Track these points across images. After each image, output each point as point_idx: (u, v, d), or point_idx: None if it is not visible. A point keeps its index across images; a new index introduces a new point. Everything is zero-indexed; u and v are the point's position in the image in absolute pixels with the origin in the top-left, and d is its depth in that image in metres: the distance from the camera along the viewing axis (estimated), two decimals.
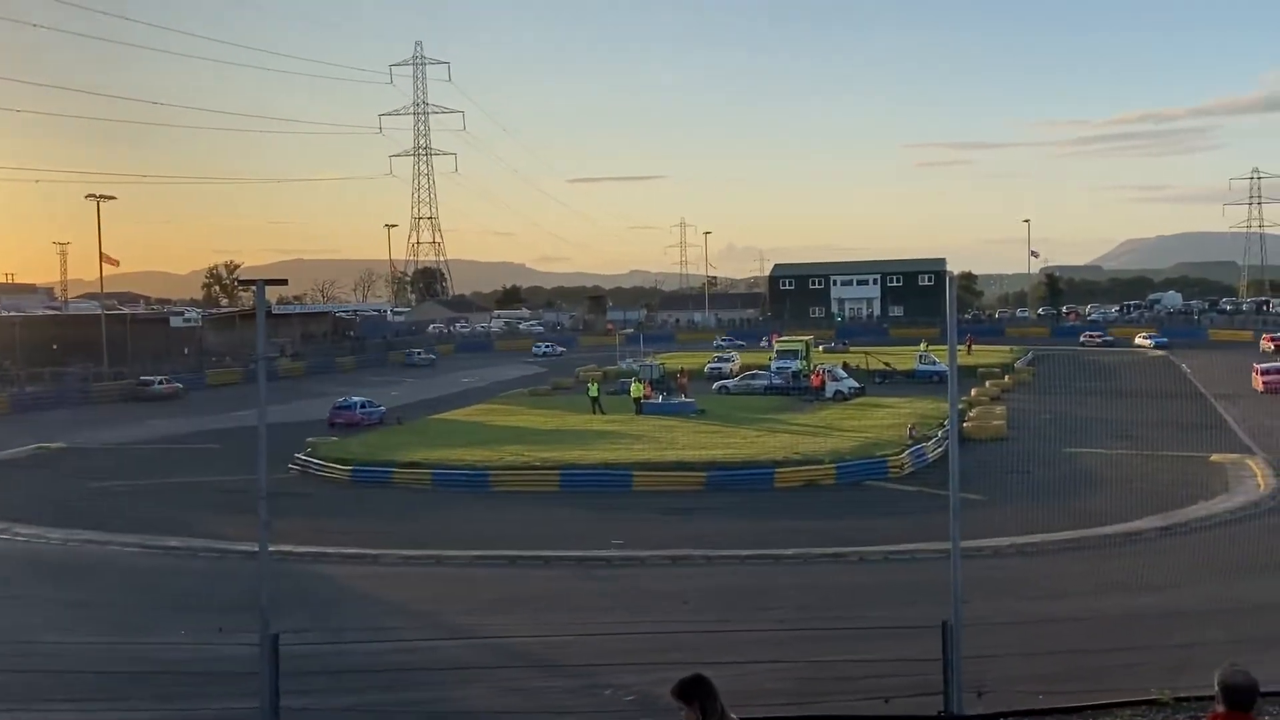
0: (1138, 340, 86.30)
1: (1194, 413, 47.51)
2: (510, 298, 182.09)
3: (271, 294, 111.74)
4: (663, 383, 58.96)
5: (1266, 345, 74.13)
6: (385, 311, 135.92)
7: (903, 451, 37.75)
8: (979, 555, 22.49)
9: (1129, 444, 39.23)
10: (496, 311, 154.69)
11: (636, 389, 53.54)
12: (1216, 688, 5.51)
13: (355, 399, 56.62)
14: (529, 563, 25.65)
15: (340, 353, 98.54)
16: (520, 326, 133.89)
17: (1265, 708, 10.34)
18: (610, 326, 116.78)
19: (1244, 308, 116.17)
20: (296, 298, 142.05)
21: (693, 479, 34.81)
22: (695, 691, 5.43)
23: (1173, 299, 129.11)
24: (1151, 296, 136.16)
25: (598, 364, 77.09)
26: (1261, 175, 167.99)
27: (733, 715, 5.40)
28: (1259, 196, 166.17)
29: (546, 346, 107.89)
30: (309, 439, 43.76)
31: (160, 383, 73.43)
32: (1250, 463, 36.26)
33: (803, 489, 33.83)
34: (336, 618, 19.69)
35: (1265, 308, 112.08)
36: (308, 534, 28.31)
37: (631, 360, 72.59)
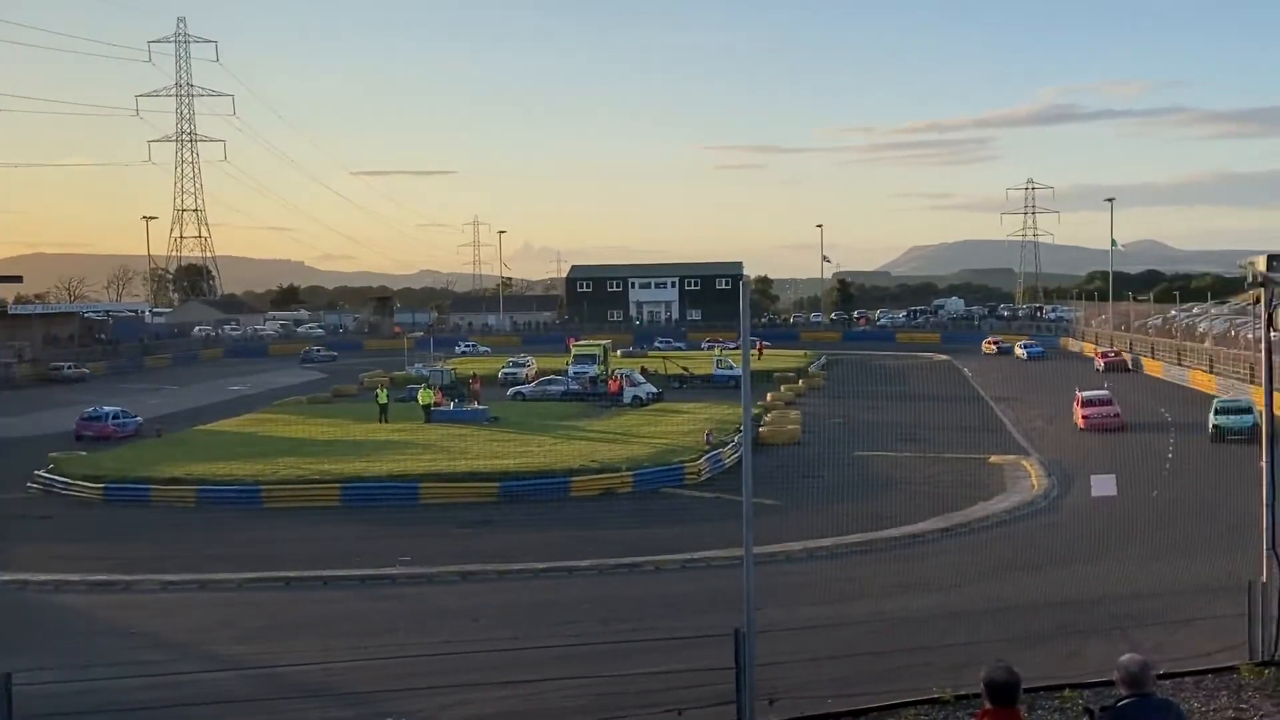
0: (1017, 350, 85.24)
1: (975, 415, 49.11)
2: (287, 297, 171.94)
3: (4, 292, 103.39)
4: (454, 389, 57.68)
5: (988, 348, 79.74)
6: (143, 312, 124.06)
7: (700, 457, 37.65)
8: (773, 561, 22.60)
9: (915, 446, 40.18)
10: (271, 313, 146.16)
11: (426, 395, 52.12)
12: (981, 685, 5.66)
13: (107, 409, 52.36)
14: (306, 584, 24.42)
15: (90, 357, 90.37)
16: (299, 329, 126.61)
17: (1040, 701, 11.37)
18: (398, 329, 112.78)
19: (1020, 313, 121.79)
20: (38, 296, 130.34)
21: (485, 490, 34.25)
22: None
23: (955, 305, 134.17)
24: (936, 302, 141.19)
25: (384, 369, 74.79)
26: (1035, 186, 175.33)
27: None
28: (1033, 206, 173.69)
29: (317, 349, 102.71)
30: (52, 454, 40.60)
31: None
32: (1025, 463, 37.65)
33: (600, 498, 33.50)
34: (81, 653, 18.11)
35: (1039, 314, 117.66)
36: (48, 560, 26.28)
37: (421, 365, 70.83)
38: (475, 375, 62.37)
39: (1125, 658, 6.11)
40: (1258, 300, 15.93)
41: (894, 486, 33.55)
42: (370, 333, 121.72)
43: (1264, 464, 14.62)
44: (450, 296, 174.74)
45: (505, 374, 70.08)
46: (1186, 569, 20.65)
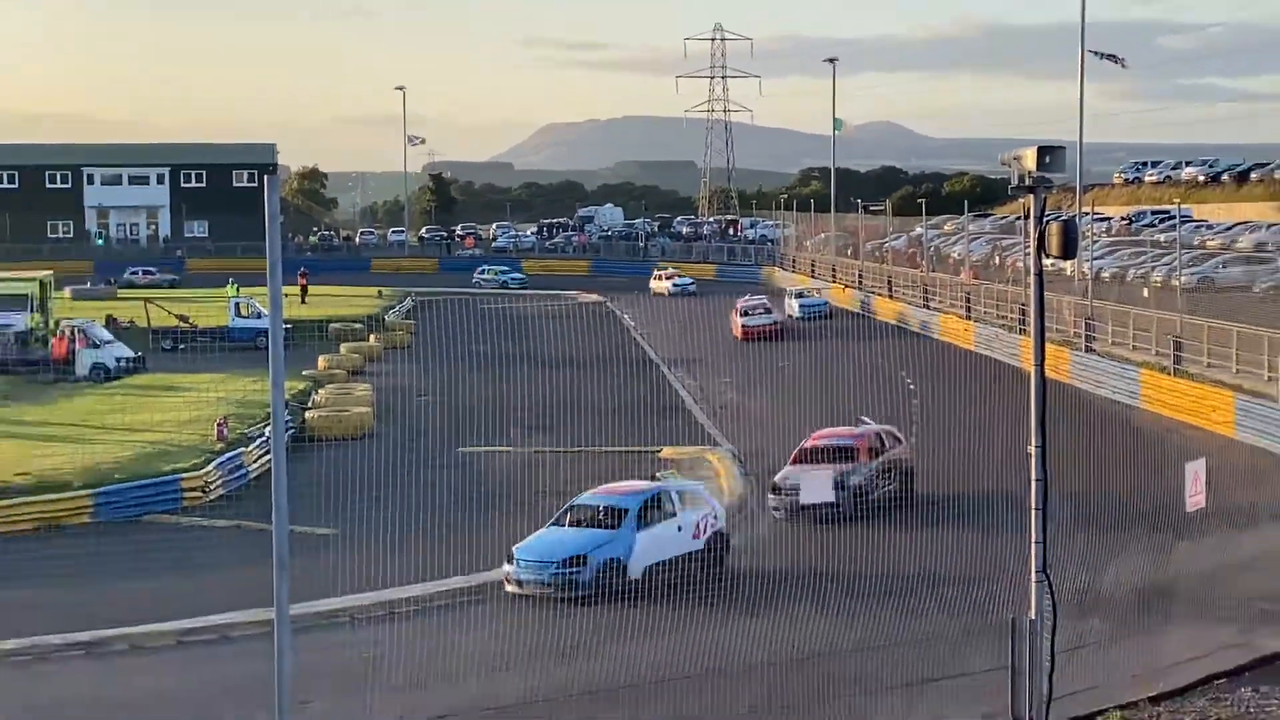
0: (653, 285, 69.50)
1: (641, 387, 41.67)
2: None
3: None
4: None
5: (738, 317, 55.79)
6: None
7: (207, 464, 30.83)
8: (330, 625, 20.38)
9: (551, 437, 34.09)
10: None
11: None
12: None
13: None
14: None
15: None
16: None
17: None
18: None
19: (705, 231, 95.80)
20: None
21: None
22: None
23: (611, 216, 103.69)
24: (582, 212, 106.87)
25: None
26: (727, 36, 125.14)
27: None
28: (724, 67, 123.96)
29: None
30: None
31: None
32: (711, 458, 32.67)
33: (37, 536, 27.29)
34: None
35: (732, 231, 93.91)
36: None
37: None
38: None
39: None
40: (1026, 213, 18.30)
41: (517, 501, 27.84)
42: None
43: (1032, 450, 13.77)
44: None
45: None
46: (928, 607, 19.03)
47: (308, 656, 13.59)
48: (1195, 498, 19.10)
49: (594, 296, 67.23)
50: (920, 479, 26.87)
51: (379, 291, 67.32)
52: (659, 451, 32.99)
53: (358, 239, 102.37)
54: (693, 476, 28.79)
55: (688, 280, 69.32)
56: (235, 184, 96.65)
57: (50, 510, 27.69)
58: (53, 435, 35.11)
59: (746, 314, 48.32)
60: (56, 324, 48.82)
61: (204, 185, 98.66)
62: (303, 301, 59.03)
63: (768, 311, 48.50)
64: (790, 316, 51.11)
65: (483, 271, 78.70)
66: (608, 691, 17.02)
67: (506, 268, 79.26)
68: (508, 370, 38.79)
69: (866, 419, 26.39)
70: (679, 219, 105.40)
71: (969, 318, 48.31)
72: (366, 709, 16.13)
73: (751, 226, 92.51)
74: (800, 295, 56.19)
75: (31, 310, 49.62)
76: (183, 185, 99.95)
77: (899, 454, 25.05)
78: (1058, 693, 14.22)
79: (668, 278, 70.34)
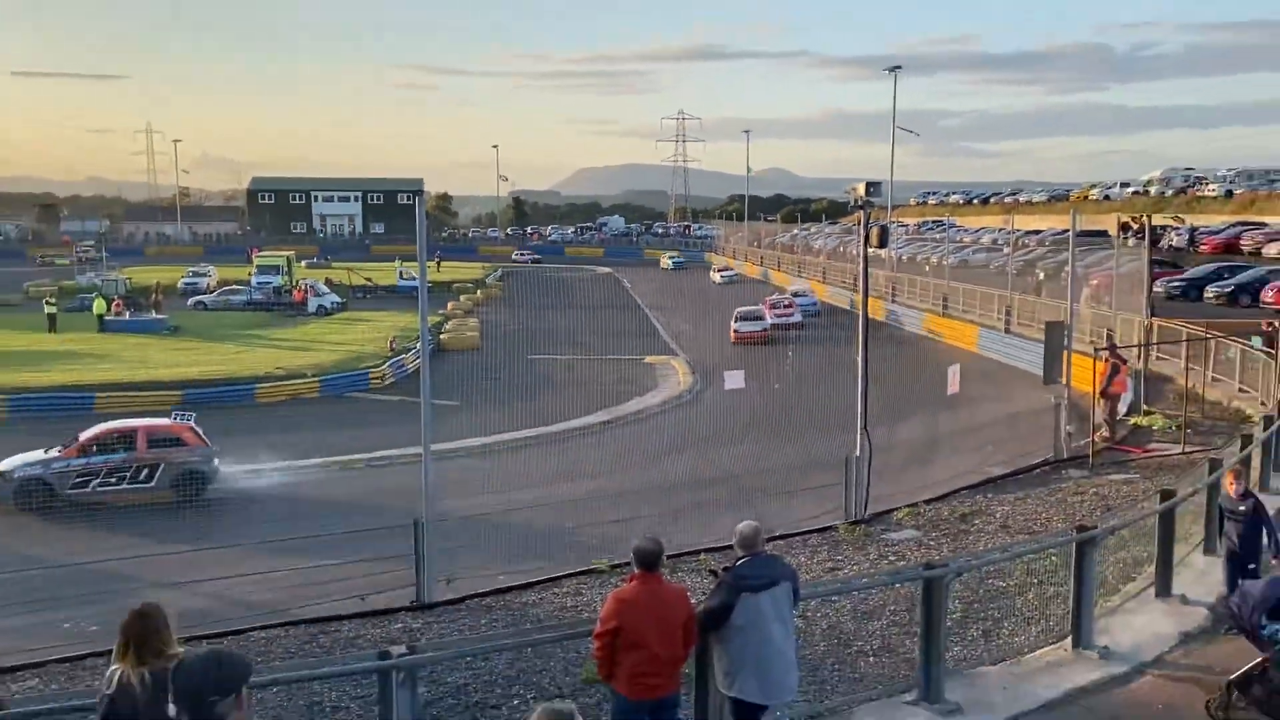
0: (663, 261, 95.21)
1: (633, 322, 51.19)
2: None
3: None
4: (132, 299, 54.92)
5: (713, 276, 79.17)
6: None
7: (383, 363, 37.60)
8: (452, 457, 22.85)
9: (582, 350, 40.61)
10: None
11: (100, 305, 49.50)
12: (631, 555, 6.47)
13: None
14: None
15: None
16: None
17: (680, 565, 12.81)
18: (66, 239, 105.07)
19: (671, 231, 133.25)
20: None
21: (166, 398, 32.42)
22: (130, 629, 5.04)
23: (617, 223, 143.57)
24: (600, 220, 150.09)
25: (52, 278, 69.62)
26: (686, 116, 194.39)
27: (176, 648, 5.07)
28: (684, 135, 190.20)
29: None
30: None
31: None
32: (674, 363, 40.37)
33: (286, 404, 33.00)
34: None
35: (687, 231, 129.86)
36: None
37: (94, 275, 66.64)
38: (158, 284, 59.50)
39: (741, 524, 6.92)
40: (859, 221, 18.51)
41: (564, 386, 34.47)
42: (34, 241, 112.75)
43: (859, 358, 17.06)
44: (123, 205, 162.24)
45: (186, 284, 67.18)
46: (801, 449, 22.64)
47: (438, 474, 14.05)
48: (953, 387, 21.59)
49: (605, 270, 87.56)
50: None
51: (482, 266, 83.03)
52: (644, 359, 40.61)
53: (470, 235, 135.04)
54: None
55: (733, 272, 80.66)
56: (399, 201, 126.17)
57: (293, 388, 33.93)
58: (293, 346, 42.12)
59: (742, 319, 46.31)
60: (296, 282, 59.78)
61: (381, 203, 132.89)
62: (438, 270, 71.95)
63: (759, 319, 46.49)
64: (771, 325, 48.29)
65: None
66: (645, 492, 19.57)
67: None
68: (558, 311, 48.10)
69: None
70: (656, 224, 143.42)
71: (824, 281, 63.59)
72: (477, 506, 18.52)
73: (699, 229, 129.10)
74: (797, 295, 55.61)
75: (282, 274, 60.92)
76: (369, 203, 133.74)
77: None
78: (871, 501, 17.02)
79: (719, 270, 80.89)
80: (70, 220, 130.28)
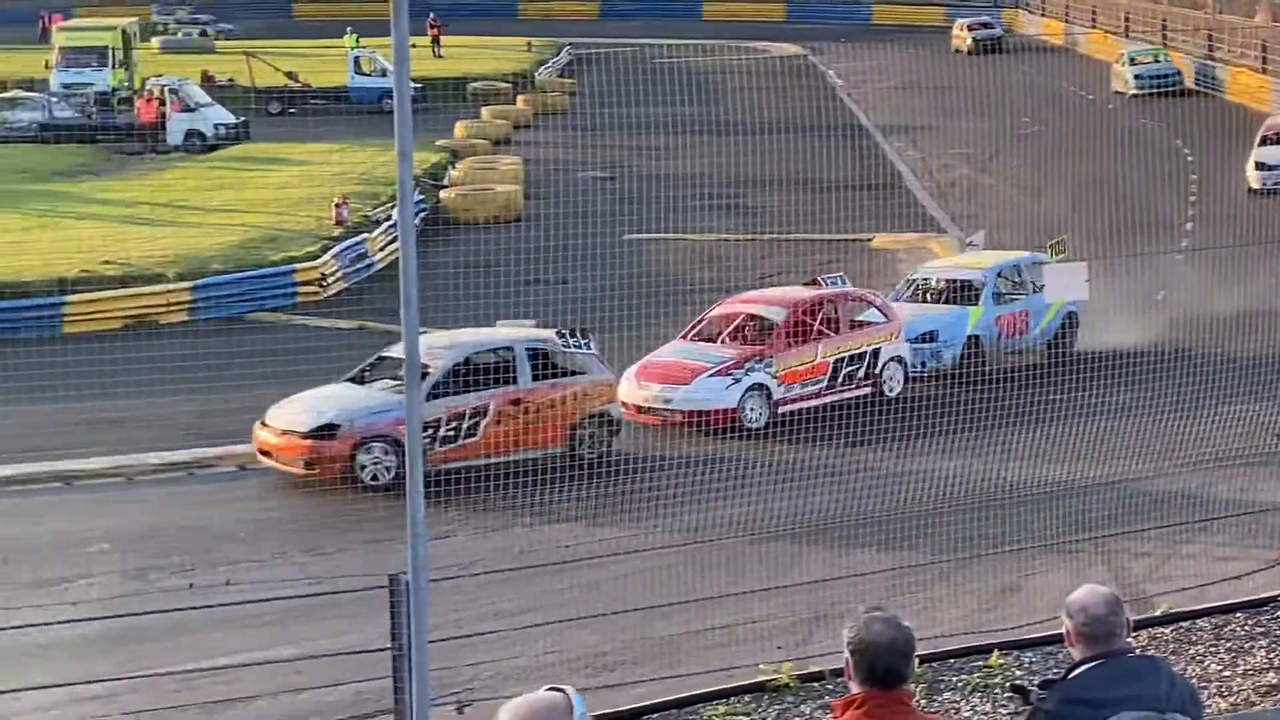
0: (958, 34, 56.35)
1: (847, 161, 35.84)
2: None
3: None
4: None
5: (961, 37, 54.05)
6: None
7: (324, 252, 27.22)
8: None
9: (736, 220, 30.48)
10: None
11: None
12: (846, 652, 4.01)
13: None
14: None
15: None
16: None
17: (946, 675, 9.91)
18: None
19: None
20: None
21: None
22: None
23: None
24: None
25: None
26: None
27: None
28: None
29: None
30: None
31: None
32: (935, 247, 28.68)
33: (126, 334, 24.11)
34: None
35: None
36: None
37: None
38: None
39: (1080, 592, 4.64)
40: None
41: (698, 296, 23.80)
42: None
43: None
44: None
45: None
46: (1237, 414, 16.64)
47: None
48: None
49: (792, 48, 57.82)
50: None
51: (528, 43, 58.58)
52: (870, 240, 29.03)
53: None
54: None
55: (998, 31, 55.67)
56: None
57: (142, 305, 24.75)
58: (142, 217, 31.98)
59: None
60: (142, 84, 44.09)
61: None
62: (436, 55, 52.94)
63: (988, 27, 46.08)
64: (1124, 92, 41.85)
65: None
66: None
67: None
68: (688, 138, 35.03)
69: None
70: None
71: (1264, 71, 42.47)
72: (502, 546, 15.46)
73: None
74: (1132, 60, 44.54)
75: (114, 66, 45.76)
76: None
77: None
78: None
79: (969, 27, 55.46)
80: None
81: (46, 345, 22.56)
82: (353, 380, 17.83)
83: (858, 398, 18.06)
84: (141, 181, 36.12)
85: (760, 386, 17.68)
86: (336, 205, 29.81)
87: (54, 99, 42.66)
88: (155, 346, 22.64)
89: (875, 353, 18.41)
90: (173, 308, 24.65)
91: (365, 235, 28.21)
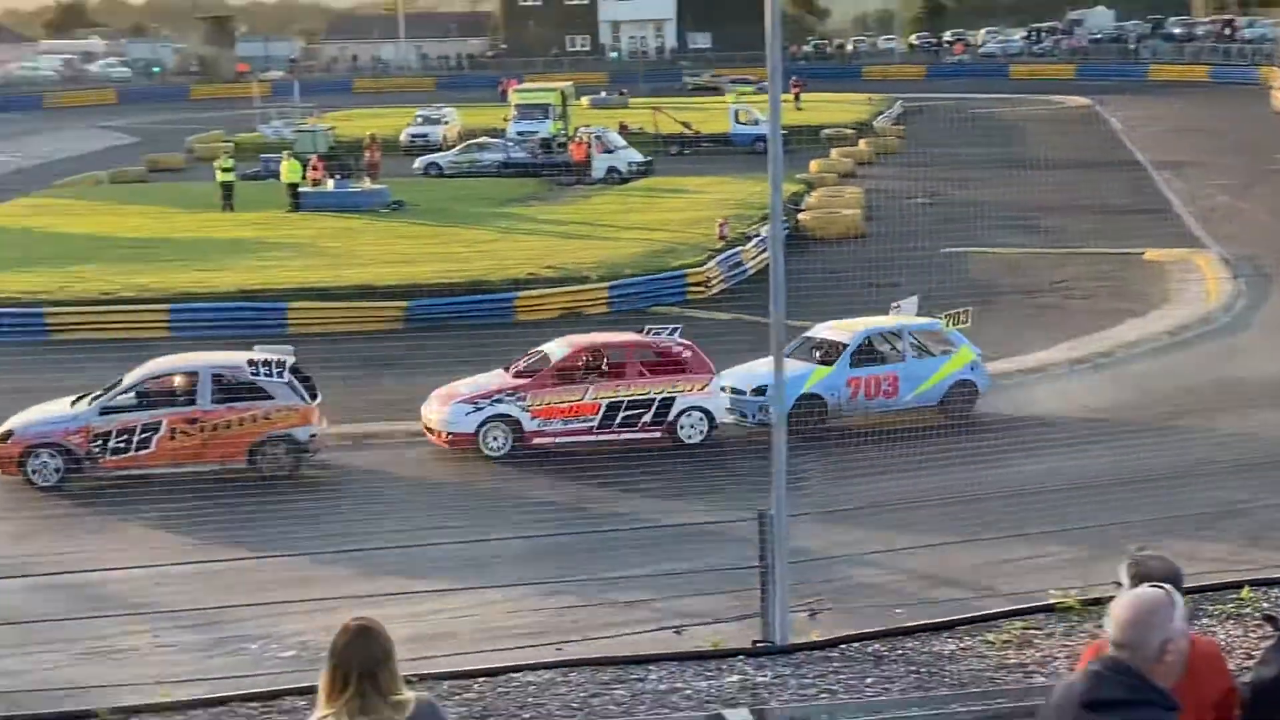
0: None
1: (1125, 191, 40.37)
2: (70, 19, 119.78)
3: None
4: (337, 160, 45.58)
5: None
6: None
7: (709, 260, 30.72)
8: None
9: (1035, 237, 33.39)
10: (45, 43, 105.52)
11: (293, 170, 40.30)
12: (1123, 579, 4.54)
13: None
14: None
15: None
16: (91, 68, 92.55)
17: (1204, 605, 9.65)
18: (243, 68, 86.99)
19: (1199, 32, 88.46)
20: None
21: (385, 313, 27.84)
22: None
23: (1101, 19, 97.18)
24: (1072, 15, 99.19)
25: (226, 129, 58.01)
26: None
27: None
28: None
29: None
30: None
31: None
32: (1199, 260, 31.64)
33: (559, 321, 27.35)
34: None
35: (1229, 31, 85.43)
36: None
37: (281, 123, 55.90)
38: (373, 137, 48.04)
39: None
40: None
41: (1004, 298, 28.25)
42: (201, 72, 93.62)
43: None
44: (323, 15, 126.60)
45: (412, 135, 54.20)
46: None
47: None
48: None
49: (1081, 100, 63.85)
50: None
51: (869, 98, 64.81)
52: (1143, 254, 31.71)
53: (849, 47, 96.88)
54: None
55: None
56: None
57: (569, 299, 28.52)
58: (573, 233, 36.01)
59: None
60: (574, 131, 48.90)
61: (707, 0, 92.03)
62: (797, 108, 56.96)
63: None
64: None
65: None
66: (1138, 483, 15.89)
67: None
68: (993, 172, 38.53)
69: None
70: (1171, 19, 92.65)
71: None
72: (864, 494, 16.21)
73: (1249, 26, 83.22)
74: None
75: (553, 118, 50.39)
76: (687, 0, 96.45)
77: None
78: None
79: None
80: (249, 41, 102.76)
81: (501, 330, 26.23)
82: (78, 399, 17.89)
83: (644, 440, 18.26)
84: (573, 206, 40.84)
85: (506, 417, 17.88)
86: (720, 224, 33.37)
87: (510, 144, 48.40)
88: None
89: (668, 400, 18.39)
90: (596, 302, 28.59)
91: (741, 248, 31.66)
